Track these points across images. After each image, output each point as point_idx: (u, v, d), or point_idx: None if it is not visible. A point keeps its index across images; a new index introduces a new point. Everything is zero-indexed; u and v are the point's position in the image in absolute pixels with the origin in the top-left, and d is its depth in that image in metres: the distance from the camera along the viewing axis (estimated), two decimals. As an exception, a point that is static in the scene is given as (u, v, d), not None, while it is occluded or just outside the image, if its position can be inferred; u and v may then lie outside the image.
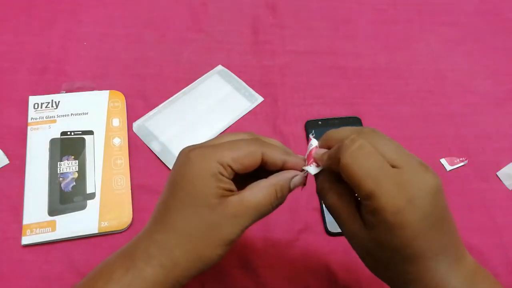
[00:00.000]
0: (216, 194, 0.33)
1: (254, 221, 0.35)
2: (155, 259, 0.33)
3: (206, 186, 0.33)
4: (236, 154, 0.34)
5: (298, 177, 0.37)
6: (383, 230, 0.31)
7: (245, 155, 0.34)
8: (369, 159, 0.32)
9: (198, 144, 0.36)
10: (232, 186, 0.35)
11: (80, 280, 0.36)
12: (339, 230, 0.54)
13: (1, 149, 0.56)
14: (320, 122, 0.62)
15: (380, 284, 0.52)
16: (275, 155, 0.36)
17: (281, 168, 0.37)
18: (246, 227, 0.34)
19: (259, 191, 0.35)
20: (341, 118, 0.63)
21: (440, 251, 0.32)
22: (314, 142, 0.38)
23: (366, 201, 0.32)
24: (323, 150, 0.36)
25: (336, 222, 0.36)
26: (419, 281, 0.32)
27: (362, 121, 0.63)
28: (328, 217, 0.55)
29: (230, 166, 0.34)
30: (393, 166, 0.32)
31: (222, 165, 0.33)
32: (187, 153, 0.35)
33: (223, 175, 0.34)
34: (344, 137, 0.34)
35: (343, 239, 0.54)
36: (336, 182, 0.36)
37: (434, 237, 0.32)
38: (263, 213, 0.35)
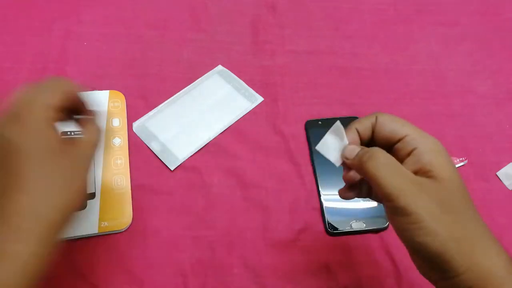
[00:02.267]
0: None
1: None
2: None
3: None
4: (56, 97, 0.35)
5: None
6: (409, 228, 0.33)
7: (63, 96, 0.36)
8: (391, 171, 0.34)
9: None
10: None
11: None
12: (339, 231, 0.55)
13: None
14: (320, 122, 0.62)
15: (380, 284, 0.52)
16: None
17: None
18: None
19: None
20: (340, 118, 0.63)
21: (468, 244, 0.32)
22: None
23: (387, 202, 0.33)
24: (355, 148, 0.37)
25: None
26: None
27: (362, 121, 0.63)
28: (328, 217, 0.55)
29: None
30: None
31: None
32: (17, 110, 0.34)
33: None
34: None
35: (343, 239, 0.55)
36: None
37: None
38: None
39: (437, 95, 0.67)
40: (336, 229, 0.55)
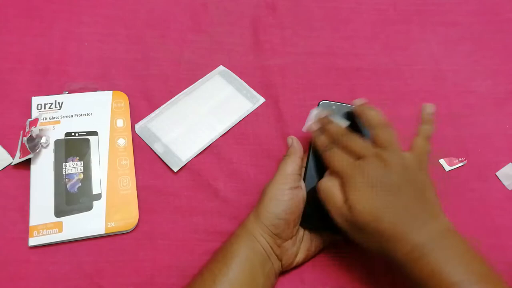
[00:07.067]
0: None
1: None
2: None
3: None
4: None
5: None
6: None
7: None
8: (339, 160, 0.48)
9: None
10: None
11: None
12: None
13: (6, 150, 0.57)
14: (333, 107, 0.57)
15: (375, 281, 0.53)
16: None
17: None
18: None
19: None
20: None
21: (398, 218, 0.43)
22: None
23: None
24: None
25: (328, 202, 0.47)
26: (388, 242, 0.43)
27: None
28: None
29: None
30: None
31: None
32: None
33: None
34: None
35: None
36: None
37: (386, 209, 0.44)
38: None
39: (437, 95, 0.67)
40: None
